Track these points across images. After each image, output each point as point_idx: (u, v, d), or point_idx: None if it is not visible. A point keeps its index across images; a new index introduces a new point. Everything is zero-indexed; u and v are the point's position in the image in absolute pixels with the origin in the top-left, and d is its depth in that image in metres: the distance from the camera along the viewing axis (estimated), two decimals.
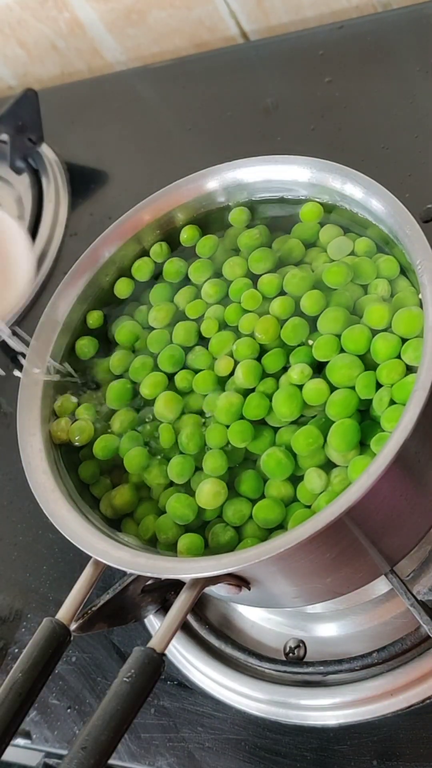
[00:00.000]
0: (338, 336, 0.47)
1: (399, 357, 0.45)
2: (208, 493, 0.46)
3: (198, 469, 0.48)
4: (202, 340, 0.51)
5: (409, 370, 0.45)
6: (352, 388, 0.45)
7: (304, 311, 0.48)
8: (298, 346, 0.48)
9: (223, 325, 0.50)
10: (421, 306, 0.45)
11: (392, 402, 0.44)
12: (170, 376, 0.50)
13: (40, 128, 0.90)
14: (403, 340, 0.45)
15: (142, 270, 0.55)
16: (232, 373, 0.49)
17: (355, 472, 0.43)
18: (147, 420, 0.50)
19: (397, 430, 0.40)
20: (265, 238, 0.52)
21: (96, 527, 0.46)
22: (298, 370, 0.46)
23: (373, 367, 0.45)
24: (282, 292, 0.49)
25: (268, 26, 0.90)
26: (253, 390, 0.48)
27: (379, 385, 0.45)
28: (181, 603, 0.43)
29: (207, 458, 0.47)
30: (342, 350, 0.46)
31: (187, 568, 0.43)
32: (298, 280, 0.49)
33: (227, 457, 0.47)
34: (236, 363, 0.49)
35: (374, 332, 0.46)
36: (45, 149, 0.90)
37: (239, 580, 0.45)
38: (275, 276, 0.50)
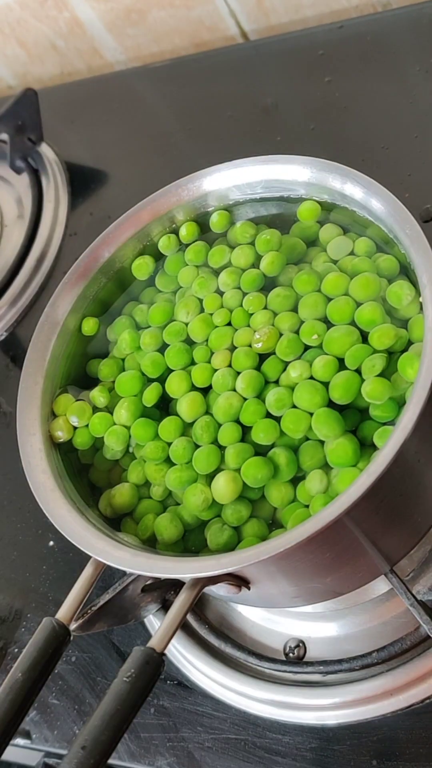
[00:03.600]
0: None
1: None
2: (225, 484, 0.46)
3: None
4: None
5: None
6: (358, 371, 0.45)
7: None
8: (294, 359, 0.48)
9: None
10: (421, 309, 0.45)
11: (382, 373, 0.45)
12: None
13: (40, 128, 0.90)
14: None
15: (142, 269, 0.55)
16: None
17: (342, 483, 0.43)
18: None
19: (396, 429, 0.40)
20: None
21: (95, 527, 0.46)
22: (298, 369, 0.46)
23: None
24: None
25: (268, 26, 0.90)
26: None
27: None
28: (180, 603, 0.43)
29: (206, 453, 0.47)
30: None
31: (186, 568, 0.43)
32: (282, 299, 0.49)
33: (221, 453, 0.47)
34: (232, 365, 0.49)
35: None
36: (45, 149, 0.90)
37: (239, 580, 0.45)
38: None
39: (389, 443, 0.40)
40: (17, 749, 0.60)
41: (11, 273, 0.82)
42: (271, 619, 0.57)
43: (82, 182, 0.88)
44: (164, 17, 0.94)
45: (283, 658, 0.56)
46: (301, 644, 0.56)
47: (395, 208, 0.45)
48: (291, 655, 0.56)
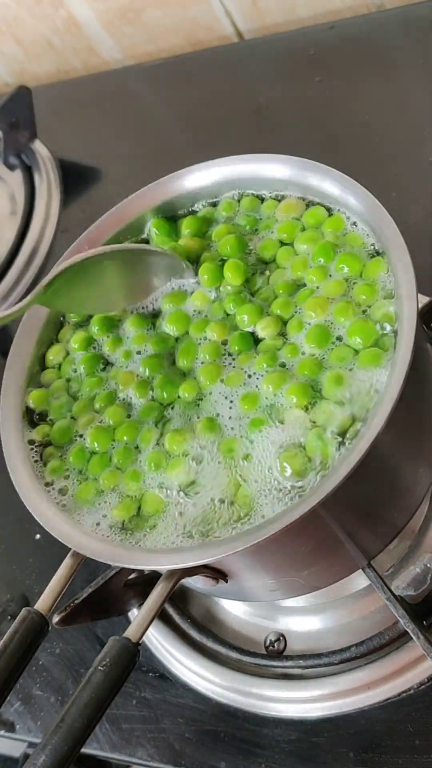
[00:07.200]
0: None
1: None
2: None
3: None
4: None
5: None
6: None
7: None
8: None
9: None
10: None
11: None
12: None
13: (33, 125, 0.91)
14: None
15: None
16: None
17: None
18: None
19: (371, 422, 0.41)
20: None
21: (75, 519, 0.46)
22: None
23: None
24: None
25: (263, 26, 0.91)
26: None
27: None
28: (157, 594, 0.44)
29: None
30: None
31: (162, 560, 0.43)
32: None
33: None
34: None
35: None
36: (38, 146, 0.91)
37: (215, 572, 0.45)
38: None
39: (364, 436, 0.41)
40: (1, 740, 0.61)
41: (2, 269, 0.83)
42: (252, 613, 0.57)
43: (75, 179, 0.89)
44: (160, 16, 0.94)
45: (264, 652, 0.56)
46: (281, 638, 0.56)
47: (372, 205, 0.46)
48: (271, 648, 0.56)
